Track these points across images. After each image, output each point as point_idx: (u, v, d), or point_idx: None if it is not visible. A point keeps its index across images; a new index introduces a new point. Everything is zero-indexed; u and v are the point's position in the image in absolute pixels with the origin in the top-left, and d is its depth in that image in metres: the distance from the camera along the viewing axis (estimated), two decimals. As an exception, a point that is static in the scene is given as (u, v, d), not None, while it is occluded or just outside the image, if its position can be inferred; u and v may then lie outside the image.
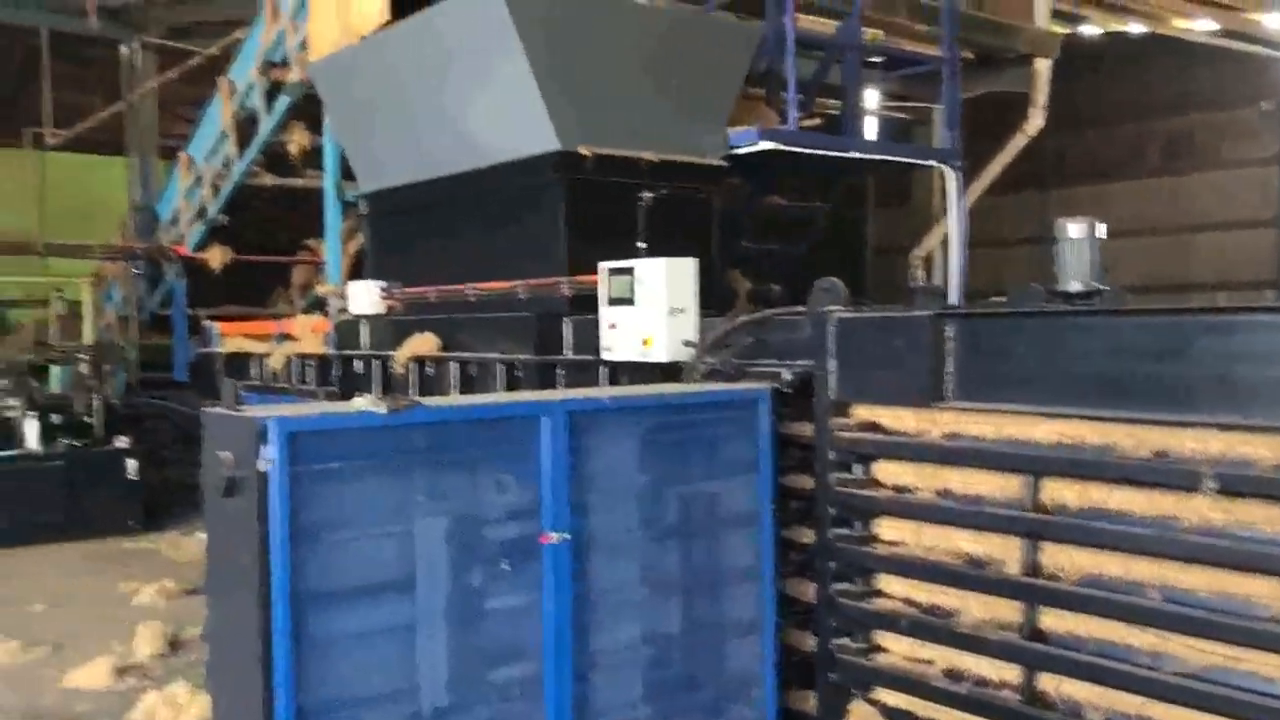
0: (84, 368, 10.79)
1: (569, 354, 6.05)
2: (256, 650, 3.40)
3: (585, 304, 6.04)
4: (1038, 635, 3.80)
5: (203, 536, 9.28)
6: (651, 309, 5.22)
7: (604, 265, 5.55)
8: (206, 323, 10.33)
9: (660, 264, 5.26)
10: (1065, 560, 3.72)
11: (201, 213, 10.78)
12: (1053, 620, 3.78)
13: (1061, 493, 3.72)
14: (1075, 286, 4.73)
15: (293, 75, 8.78)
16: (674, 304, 5.20)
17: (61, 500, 9.80)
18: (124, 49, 11.99)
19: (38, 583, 8.13)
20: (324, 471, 3.51)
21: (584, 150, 6.21)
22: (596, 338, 5.67)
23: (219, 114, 10.05)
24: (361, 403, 3.60)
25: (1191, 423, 3.38)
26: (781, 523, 4.59)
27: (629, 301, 5.33)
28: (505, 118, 6.43)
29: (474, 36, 6.31)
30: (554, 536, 3.89)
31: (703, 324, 5.29)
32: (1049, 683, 3.79)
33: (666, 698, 4.33)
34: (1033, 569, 3.79)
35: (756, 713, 4.50)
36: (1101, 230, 4.82)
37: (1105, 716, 3.64)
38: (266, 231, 11.57)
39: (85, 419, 10.62)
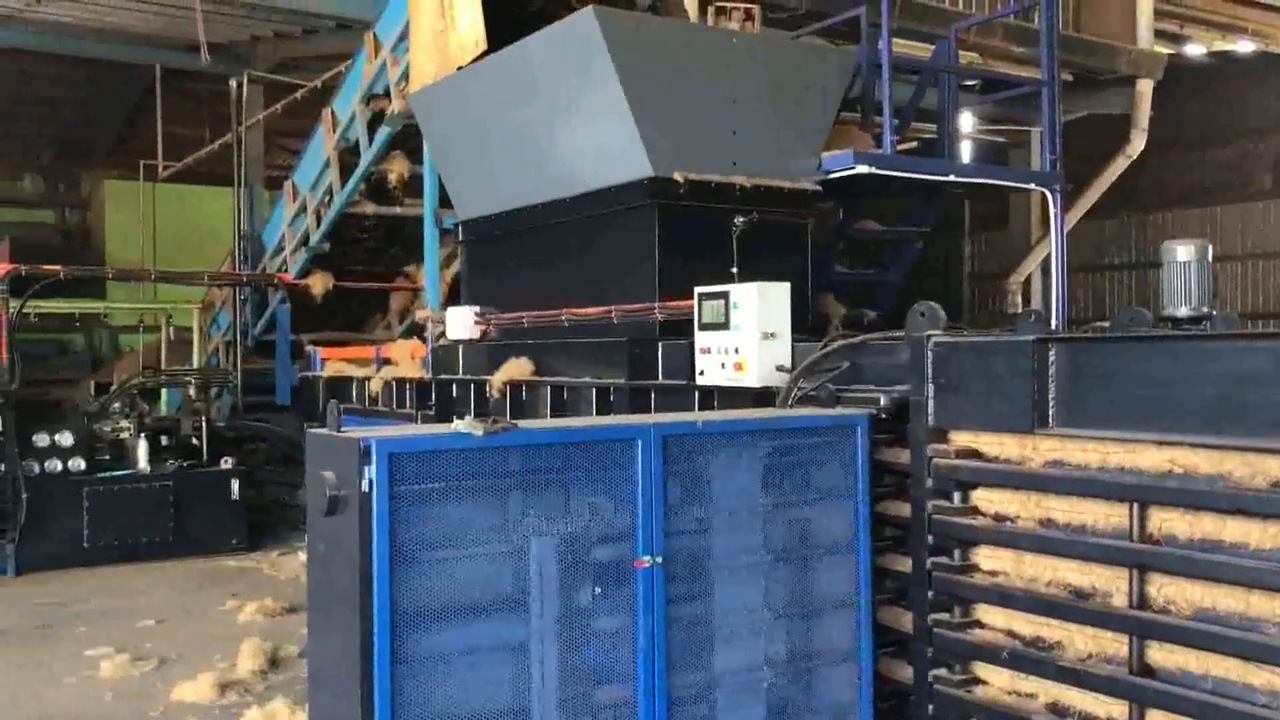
0: (192, 391, 11.14)
1: (661, 379, 6.07)
2: (356, 668, 3.46)
3: (677, 329, 6.07)
4: (1146, 671, 3.68)
5: (302, 556, 9.44)
6: (744, 333, 5.21)
7: (698, 290, 5.56)
8: (309, 348, 10.60)
9: (753, 289, 5.25)
10: (1175, 593, 3.59)
11: (305, 241, 11.09)
12: (1162, 655, 3.65)
13: (1171, 523, 3.60)
14: (1183, 311, 4.60)
15: (393, 106, 9.01)
16: (766, 328, 5.19)
17: (169, 519, 10.10)
18: (233, 83, 12.39)
19: (145, 599, 8.39)
20: (423, 492, 3.56)
21: (677, 176, 6.25)
22: (689, 362, 5.69)
23: (322, 144, 10.36)
24: (459, 425, 3.65)
25: (1310, 451, 3.26)
26: (877, 550, 4.52)
27: (723, 326, 5.33)
28: (599, 144, 6.50)
29: (568, 64, 6.40)
30: (647, 561, 3.90)
31: (796, 349, 5.26)
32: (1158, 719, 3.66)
33: (761, 726, 4.28)
34: (1140, 601, 3.67)
35: (853, 743, 4.42)
36: (1210, 253, 4.69)
37: (1219, 756, 3.50)
38: (366, 259, 11.87)
39: (192, 441, 10.96)
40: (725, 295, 5.36)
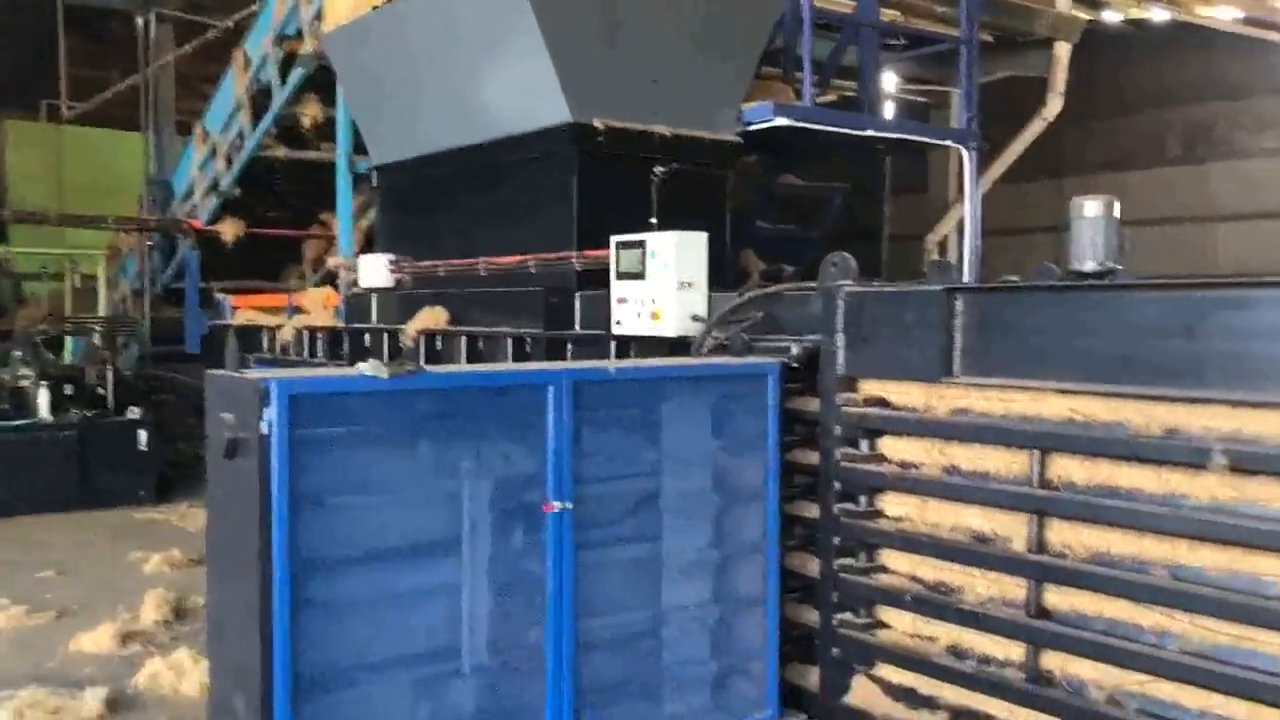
0: (98, 339, 10.81)
1: (579, 329, 6.03)
2: (255, 615, 3.40)
3: (595, 279, 6.01)
4: (1043, 613, 3.77)
5: (212, 507, 9.17)
6: (661, 283, 5.19)
7: (615, 239, 5.52)
8: (219, 295, 10.35)
9: (670, 237, 5.23)
10: (1072, 537, 3.68)
11: (215, 186, 10.78)
12: (1058, 598, 3.74)
13: (1070, 469, 3.68)
14: (1090, 265, 4.68)
15: (306, 47, 8.76)
16: (683, 278, 5.17)
17: (73, 470, 9.83)
18: (139, 22, 11.93)
19: (46, 551, 8.17)
20: (326, 435, 3.50)
21: (597, 123, 6.17)
22: (607, 313, 5.65)
23: (233, 86, 10.05)
24: (364, 367, 3.58)
25: (1203, 399, 3.34)
26: (786, 498, 4.56)
27: (639, 275, 5.30)
28: (518, 89, 6.39)
29: (487, 6, 6.26)
30: (557, 505, 3.88)
31: (713, 300, 5.26)
32: (1053, 660, 3.76)
33: (668, 670, 4.31)
34: (1039, 546, 3.75)
35: (757, 687, 4.48)
36: (1116, 209, 4.77)
37: (1109, 695, 3.60)
38: (281, 206, 11.59)
39: (98, 390, 10.65)
40: (642, 244, 5.33)
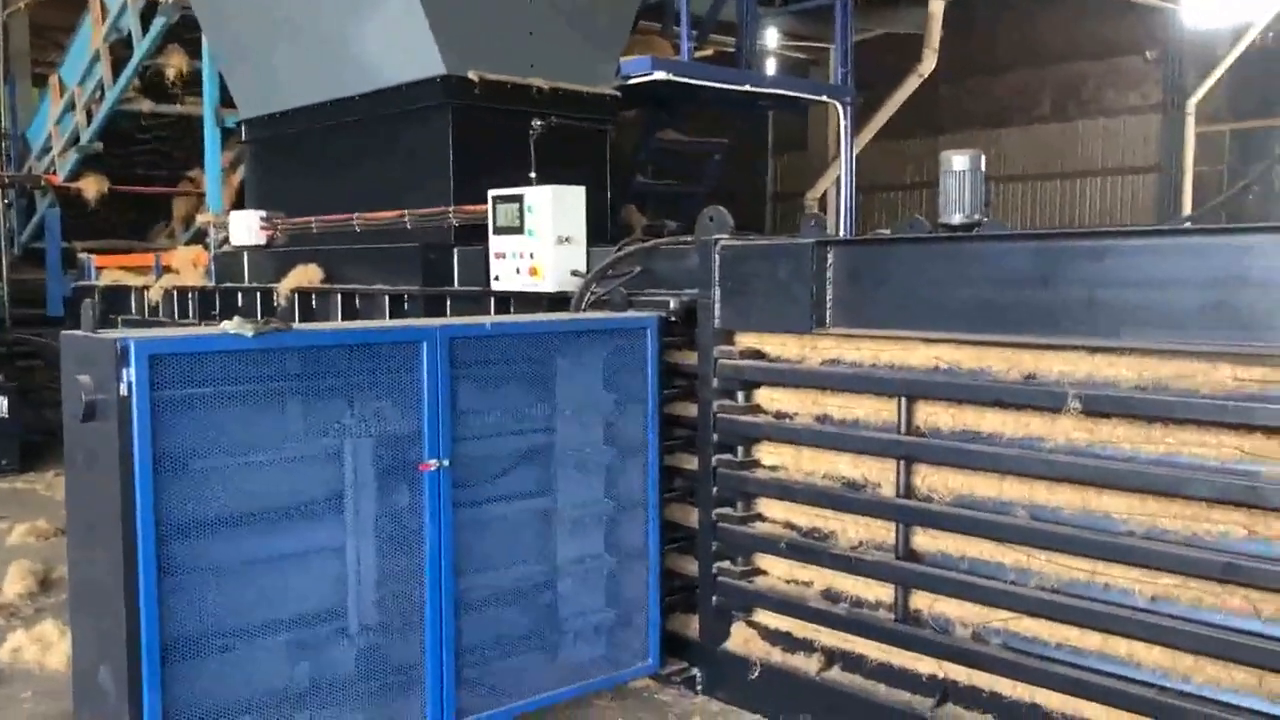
0: (-48, 302, 10.27)
1: (457, 285, 5.95)
2: (120, 583, 3.29)
3: (473, 234, 5.93)
4: (911, 555, 3.90)
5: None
6: (539, 238, 5.15)
7: (492, 193, 5.45)
8: (82, 256, 9.91)
9: (548, 191, 5.19)
10: (938, 482, 3.81)
11: (75, 140, 10.28)
12: (926, 540, 3.87)
13: (936, 416, 3.79)
14: (958, 218, 4.79)
15: (166, -3, 8.40)
16: (562, 233, 5.15)
17: (-74, 438, 9.37)
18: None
19: (-100, 523, 7.78)
20: (191, 396, 3.39)
21: (472, 75, 6.06)
22: (485, 269, 5.59)
23: (90, 35, 9.57)
24: (229, 325, 3.48)
25: (1061, 346, 3.47)
26: (666, 450, 4.60)
27: (517, 230, 5.25)
28: (390, 40, 6.23)
29: (357, -45, 6.09)
30: (433, 464, 3.84)
31: (592, 255, 5.24)
32: (922, 600, 3.90)
33: (551, 624, 4.33)
34: (907, 491, 3.87)
35: (640, 638, 4.52)
36: (983, 163, 4.90)
37: (974, 631, 3.75)
38: (147, 162, 11.13)
39: (-51, 356, 10.14)
40: (520, 199, 5.28)
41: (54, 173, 10.51)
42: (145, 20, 8.96)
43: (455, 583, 3.95)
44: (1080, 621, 3.49)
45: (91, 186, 10.43)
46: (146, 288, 8.63)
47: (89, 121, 9.97)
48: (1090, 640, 3.49)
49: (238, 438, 3.52)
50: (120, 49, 9.48)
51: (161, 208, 12.15)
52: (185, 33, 8.81)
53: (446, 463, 3.87)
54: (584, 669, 4.41)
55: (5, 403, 9.89)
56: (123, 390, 3.22)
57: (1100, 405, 3.36)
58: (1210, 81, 19.24)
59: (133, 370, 3.21)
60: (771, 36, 14.77)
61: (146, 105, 9.76)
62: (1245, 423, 3.08)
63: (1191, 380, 3.19)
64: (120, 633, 3.31)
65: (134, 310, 8.97)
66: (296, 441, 3.66)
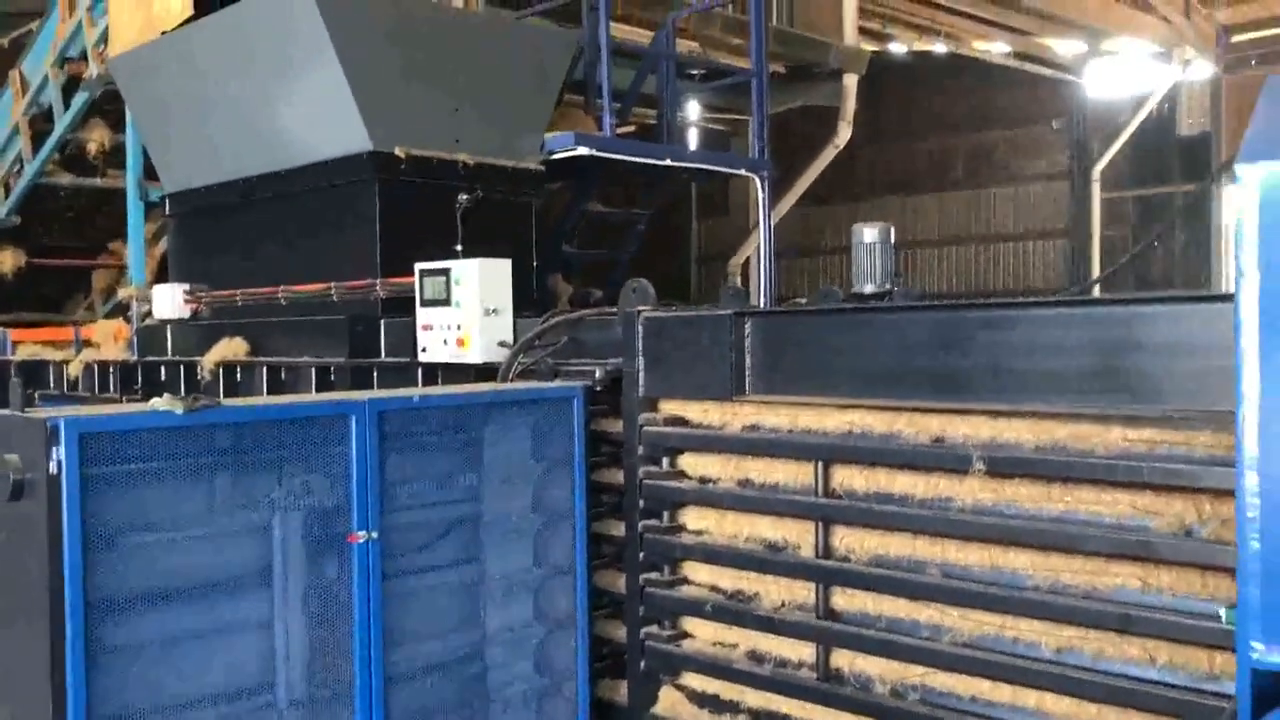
0: None
1: (385, 356, 6.02)
2: (46, 663, 3.28)
3: (400, 306, 6.01)
4: (831, 614, 4.02)
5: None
6: (466, 309, 5.26)
7: (419, 266, 5.55)
8: (-2, 329, 9.76)
9: (474, 264, 5.30)
10: (855, 542, 3.95)
11: (-8, 214, 10.18)
12: (844, 600, 4.01)
13: (851, 478, 3.95)
14: (869, 287, 5.02)
15: (91, 71, 8.41)
16: (489, 304, 5.26)
17: None
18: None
19: None
20: (120, 473, 3.41)
21: (399, 151, 6.19)
22: (412, 340, 5.67)
23: (9, 110, 9.53)
24: (158, 402, 3.52)
25: (965, 410, 3.66)
26: (594, 517, 4.69)
27: (444, 302, 5.35)
28: (316, 117, 6.34)
29: (283, 34, 6.20)
30: (362, 535, 3.89)
31: (519, 325, 5.36)
32: (843, 659, 4.02)
33: (480, 694, 4.37)
34: (825, 551, 4.01)
35: (570, 706, 4.58)
36: (891, 235, 5.14)
37: (892, 687, 3.88)
38: (65, 234, 11.02)
39: None
40: (447, 271, 5.39)
41: (-33, 245, 10.37)
42: (67, 94, 8.95)
43: (384, 655, 3.98)
44: (992, 675, 3.63)
45: (8, 260, 10.29)
46: (66, 362, 8.53)
47: (6, 195, 9.87)
48: (1002, 693, 3.63)
49: (166, 513, 3.56)
50: (40, 122, 9.45)
51: (80, 280, 12.01)
52: (107, 105, 8.81)
53: (375, 534, 3.92)
54: (516, 738, 4.45)
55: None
56: (52, 469, 3.24)
57: (1003, 466, 3.54)
58: (1114, 149, 20.15)
59: (62, 449, 3.24)
60: (693, 109, 15.18)
61: (67, 178, 9.68)
62: (1135, 480, 3.28)
63: (1086, 441, 3.39)
64: (45, 713, 3.28)
65: (52, 384, 8.85)
66: (225, 516, 3.70)
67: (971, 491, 3.64)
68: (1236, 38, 20.21)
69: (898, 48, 17.62)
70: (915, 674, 3.82)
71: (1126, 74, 19.68)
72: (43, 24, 9.19)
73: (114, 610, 3.40)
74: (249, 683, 3.76)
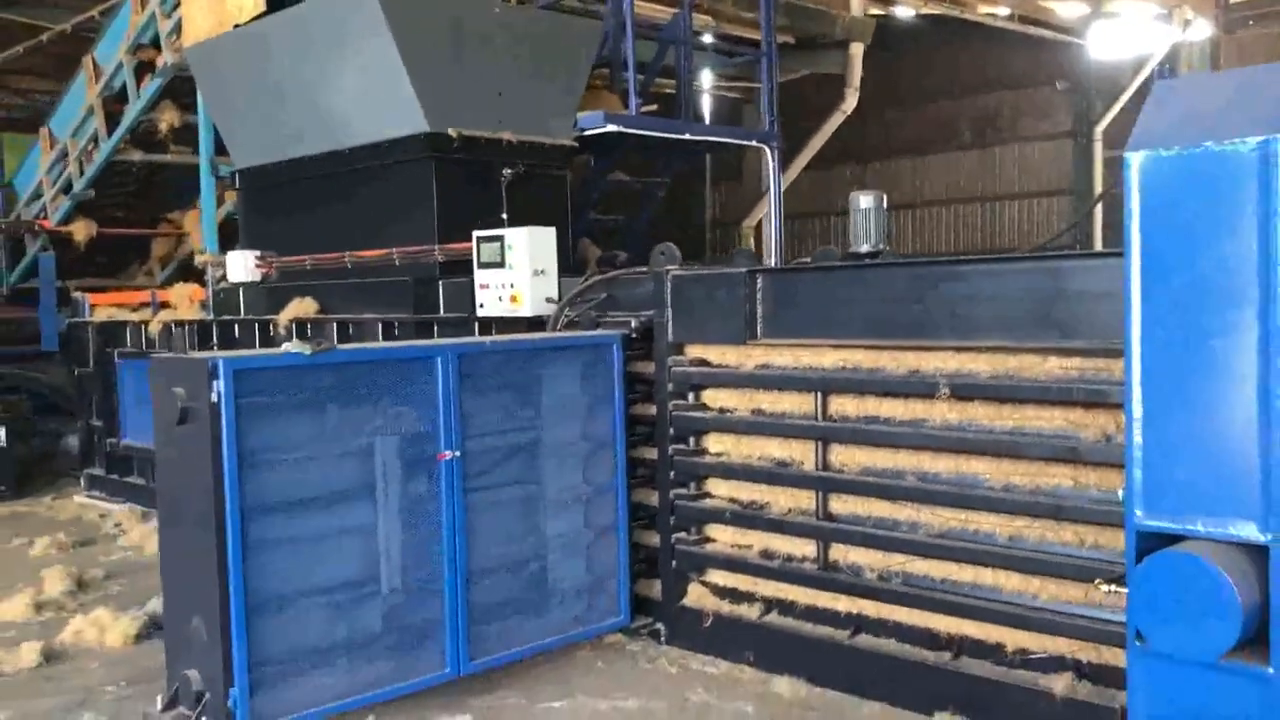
0: (-58, 339, 10.95)
1: (443, 313, 6.89)
2: (212, 555, 4.20)
3: (454, 268, 6.89)
4: (829, 517, 4.92)
5: (78, 498, 9.73)
6: (518, 271, 6.13)
7: (477, 234, 6.42)
8: (76, 294, 10.66)
9: (524, 232, 6.16)
10: (847, 457, 4.85)
11: (67, 188, 11.06)
12: (839, 504, 4.90)
13: (844, 405, 4.83)
14: (864, 248, 5.87)
15: (165, 58, 9.25)
16: (537, 266, 6.13)
17: (-71, 467, 10.04)
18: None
19: (-76, 543, 8.47)
20: (261, 404, 4.31)
21: (451, 131, 7.03)
22: (466, 298, 6.54)
23: (84, 93, 10.38)
24: (289, 346, 4.41)
25: (935, 347, 4.52)
26: (631, 444, 5.58)
27: (499, 265, 6.22)
28: (377, 102, 7.18)
29: (348, 28, 7.04)
30: (448, 454, 4.79)
31: (561, 283, 6.23)
32: (839, 552, 4.92)
33: (541, 587, 5.28)
34: (824, 465, 4.90)
35: (613, 599, 5.50)
36: (885, 202, 5.98)
37: (879, 574, 4.77)
38: (128, 205, 11.90)
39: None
40: (501, 239, 6.25)
41: (46, 218, 11.26)
42: (137, 78, 9.80)
43: (466, 553, 4.90)
44: (958, 559, 4.52)
45: (81, 230, 11.19)
46: (145, 322, 9.43)
47: (81, 171, 10.75)
48: (966, 573, 4.53)
49: (294, 437, 4.46)
50: (110, 104, 10.30)
51: (135, 247, 12.91)
52: (176, 90, 9.66)
53: (458, 454, 4.83)
54: (568, 624, 5.37)
55: (3, 432, 10.57)
56: (213, 398, 4.15)
57: (965, 392, 4.41)
58: (1115, 109, 20.73)
59: (221, 382, 4.14)
60: (707, 77, 15.93)
61: (137, 155, 10.56)
62: (1067, 400, 4.15)
63: (1029, 370, 4.25)
64: (212, 591, 4.22)
65: (129, 343, 9.74)
66: (341, 439, 4.59)
67: (940, 413, 4.51)
68: (1234, -1, 20.80)
69: (904, 11, 18.23)
70: (897, 562, 4.72)
71: (1128, 35, 20.18)
72: (113, 15, 10.02)
73: (259, 514, 4.31)
74: (359, 575, 4.67)
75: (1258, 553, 3.06)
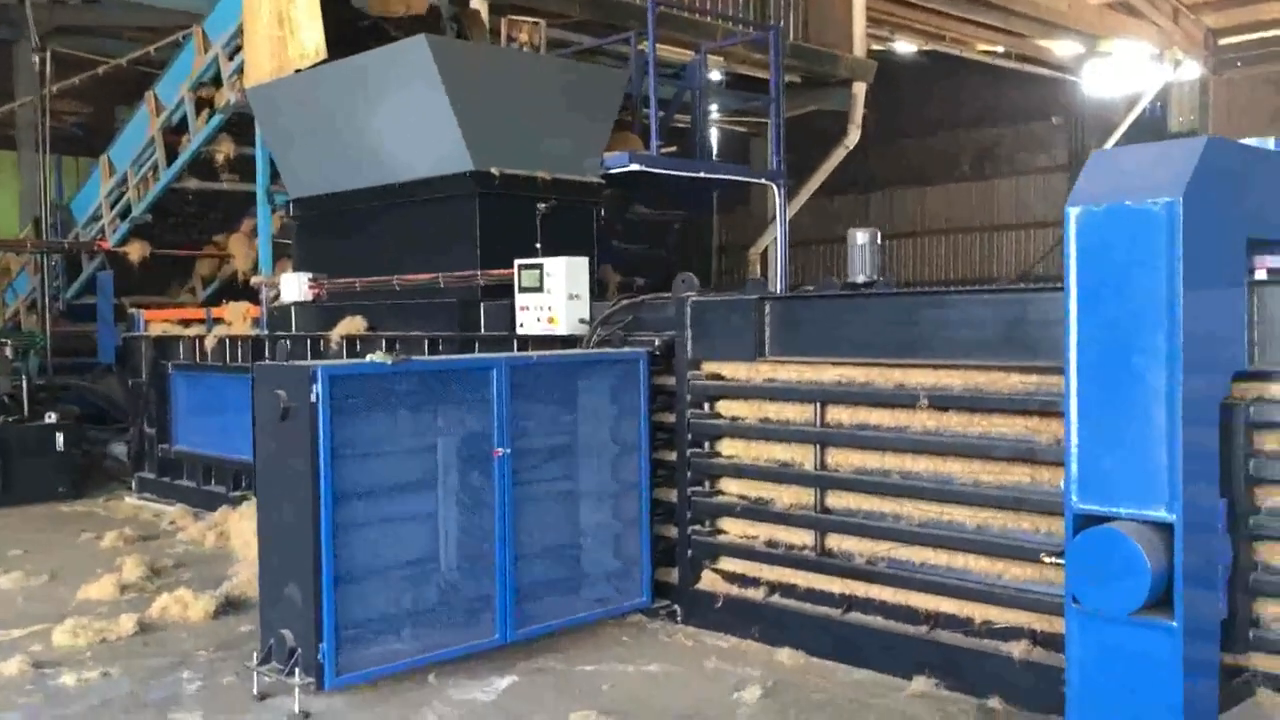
0: (9, 352, 11.77)
1: (484, 331, 7.71)
2: (309, 532, 5.00)
3: (494, 293, 7.72)
4: (825, 510, 5.72)
5: (129, 499, 10.54)
6: (555, 295, 6.95)
7: (518, 261, 7.24)
8: (132, 310, 11.49)
9: (561, 261, 6.99)
10: (842, 459, 5.65)
11: (125, 212, 11.93)
12: (835, 499, 5.71)
13: (840, 415, 5.64)
14: (860, 278, 6.68)
15: (227, 97, 10.14)
16: (572, 291, 6.95)
17: (-3, 470, 10.84)
18: (35, 58, 12.75)
19: (3, 535, 9.26)
20: (349, 405, 5.13)
21: (494, 170, 7.88)
22: (505, 318, 7.36)
23: (145, 126, 11.27)
24: (372, 357, 5.23)
25: (917, 365, 5.33)
26: (653, 448, 6.39)
27: (538, 289, 7.04)
28: (427, 143, 8.03)
29: (403, 77, 7.90)
30: (501, 451, 5.60)
31: (592, 306, 7.05)
32: (834, 541, 5.72)
33: (576, 570, 6.09)
34: (822, 466, 5.71)
35: (636, 582, 6.29)
36: (878, 237, 6.78)
37: (867, 560, 5.57)
38: (177, 228, 12.78)
39: (4, 399, 11.62)
40: (540, 266, 7.07)
41: (104, 239, 12.12)
42: (197, 112, 10.69)
43: (515, 537, 5.70)
44: (935, 546, 5.31)
45: (136, 251, 12.06)
46: (200, 337, 10.24)
47: (139, 197, 11.62)
48: (941, 558, 5.31)
49: (373, 434, 5.27)
50: (168, 135, 11.18)
51: (181, 266, 13.78)
52: (232, 124, 10.54)
53: (509, 451, 5.64)
54: (597, 603, 6.16)
55: (61, 437, 11.39)
56: (312, 399, 4.96)
57: (942, 402, 5.22)
58: (1109, 144, 21.57)
59: (319, 386, 4.96)
60: (715, 111, 16.81)
61: (193, 183, 11.44)
62: (1027, 409, 4.95)
63: (996, 384, 5.06)
64: (308, 563, 5.02)
65: (182, 356, 10.55)
66: (410, 437, 5.41)
67: (921, 421, 5.32)
68: (1223, 41, 21.68)
69: (905, 48, 19.10)
70: (883, 549, 5.51)
71: (1121, 74, 21.04)
72: (177, 54, 10.92)
73: (346, 499, 5.12)
74: (423, 554, 5.48)
75: (1166, 530, 3.84)
